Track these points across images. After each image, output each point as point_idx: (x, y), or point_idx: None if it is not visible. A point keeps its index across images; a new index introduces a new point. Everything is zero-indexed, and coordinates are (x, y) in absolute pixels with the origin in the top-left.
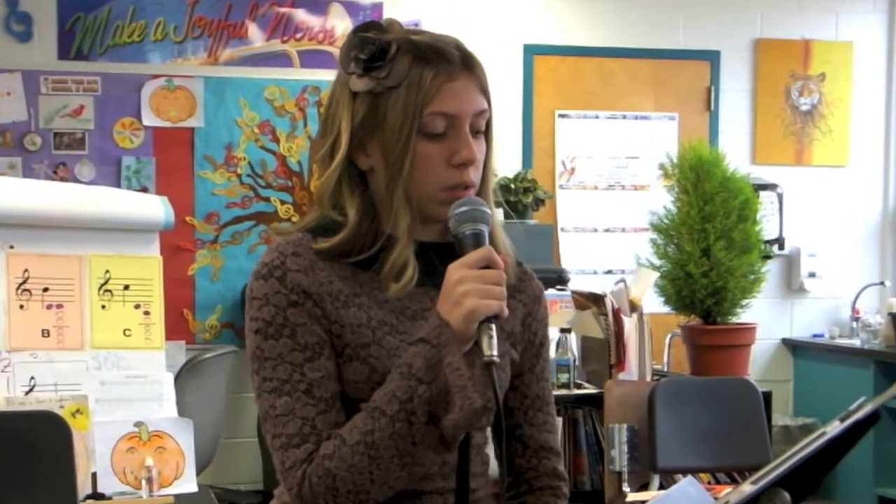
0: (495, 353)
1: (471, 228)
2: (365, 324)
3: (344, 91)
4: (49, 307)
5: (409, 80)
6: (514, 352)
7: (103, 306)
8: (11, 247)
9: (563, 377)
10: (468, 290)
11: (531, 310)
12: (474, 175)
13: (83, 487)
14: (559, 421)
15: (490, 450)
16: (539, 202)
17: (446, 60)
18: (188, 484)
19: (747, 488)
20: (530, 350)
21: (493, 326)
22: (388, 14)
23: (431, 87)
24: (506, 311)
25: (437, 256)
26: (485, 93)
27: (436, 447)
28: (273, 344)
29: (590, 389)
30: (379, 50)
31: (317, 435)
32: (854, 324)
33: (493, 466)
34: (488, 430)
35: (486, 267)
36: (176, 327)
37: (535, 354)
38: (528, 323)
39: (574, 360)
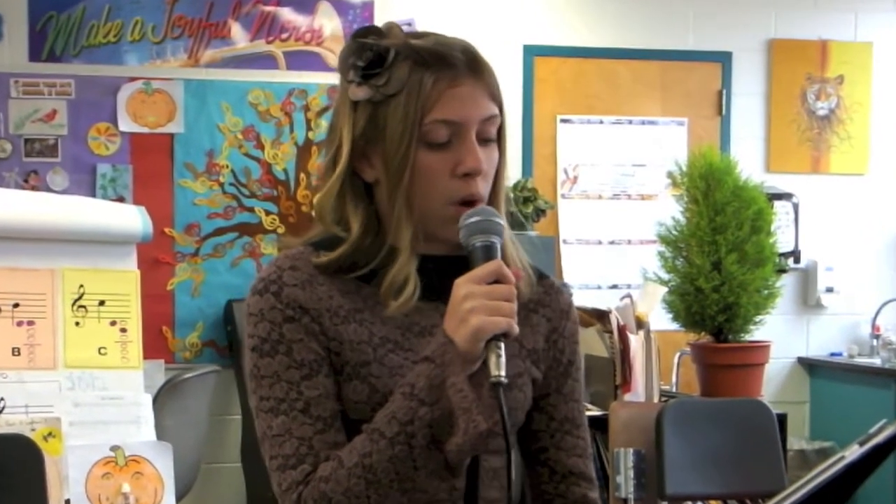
0: (503, 373)
1: (481, 240)
2: (366, 341)
3: (344, 100)
4: (19, 324)
5: (408, 86)
6: (535, 370)
7: (77, 323)
8: None
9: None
10: (475, 306)
11: (557, 325)
12: (482, 186)
13: None
14: None
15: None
16: (540, 213)
17: (449, 65)
18: None
19: None
20: (556, 369)
21: (502, 345)
22: (379, 13)
23: (432, 94)
24: (515, 329)
25: (447, 270)
26: (494, 98)
27: (440, 472)
28: (269, 361)
29: (594, 411)
30: (377, 56)
31: (314, 456)
32: (874, 342)
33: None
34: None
35: (496, 282)
36: (154, 345)
37: (563, 374)
38: (553, 339)
39: None
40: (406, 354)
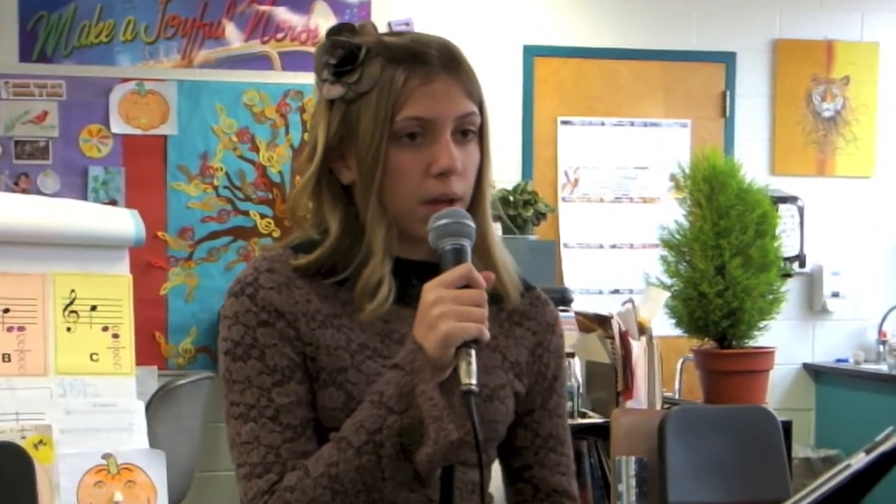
0: (474, 381)
1: (451, 243)
2: (343, 346)
3: (320, 100)
4: (10, 330)
5: (380, 84)
6: (518, 384)
7: (69, 329)
8: None
9: (567, 405)
10: (444, 311)
11: (542, 339)
12: (458, 186)
13: None
14: None
15: (498, 490)
16: (540, 216)
17: (422, 62)
18: None
19: None
20: (541, 384)
21: (472, 352)
22: (377, 12)
23: (404, 91)
24: (486, 335)
25: (428, 276)
26: (472, 95)
27: (409, 483)
28: (241, 366)
29: (595, 418)
30: (349, 53)
31: (281, 465)
32: (881, 348)
33: None
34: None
35: (467, 286)
36: (147, 351)
37: (548, 389)
38: (538, 354)
39: (578, 387)
40: (384, 362)
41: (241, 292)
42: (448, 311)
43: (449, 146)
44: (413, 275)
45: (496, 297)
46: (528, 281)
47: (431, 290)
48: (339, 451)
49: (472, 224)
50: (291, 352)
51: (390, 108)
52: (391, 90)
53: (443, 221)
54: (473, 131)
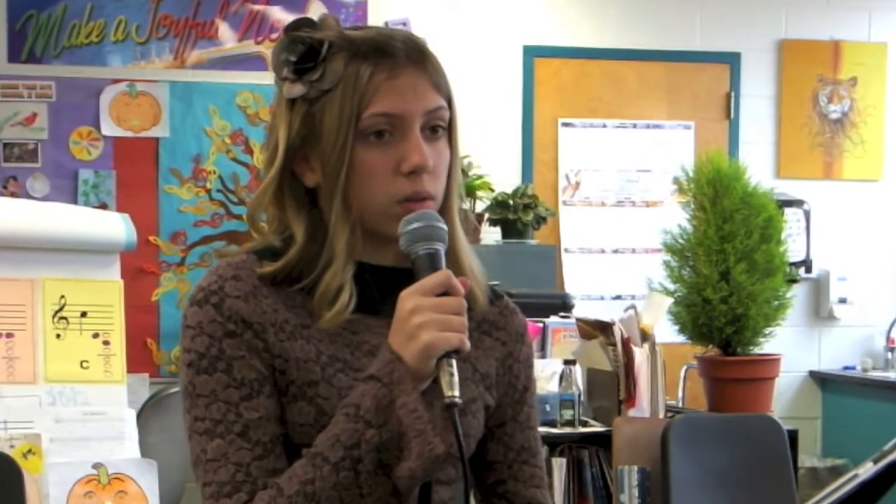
0: (457, 393)
1: (425, 248)
2: (313, 359)
3: (280, 100)
4: None
5: (344, 80)
6: (489, 396)
7: (58, 335)
8: None
9: (567, 414)
10: (424, 321)
11: (512, 349)
12: (431, 185)
13: None
14: (563, 462)
15: None
16: (540, 220)
17: (387, 55)
18: None
19: None
20: (511, 395)
21: (454, 363)
22: (373, 12)
23: (370, 86)
24: (467, 345)
25: (397, 283)
26: (440, 89)
27: (388, 500)
28: (206, 379)
29: (596, 427)
30: (309, 49)
31: (251, 483)
32: (889, 355)
33: None
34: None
35: (445, 293)
36: (138, 359)
37: (519, 400)
38: (508, 364)
39: (579, 395)
40: (356, 374)
41: (205, 301)
42: (428, 320)
43: (419, 143)
44: (379, 281)
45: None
46: (496, 289)
47: (410, 298)
48: (314, 468)
49: (445, 227)
50: (260, 364)
51: (356, 104)
52: (356, 86)
53: (415, 225)
54: (443, 127)
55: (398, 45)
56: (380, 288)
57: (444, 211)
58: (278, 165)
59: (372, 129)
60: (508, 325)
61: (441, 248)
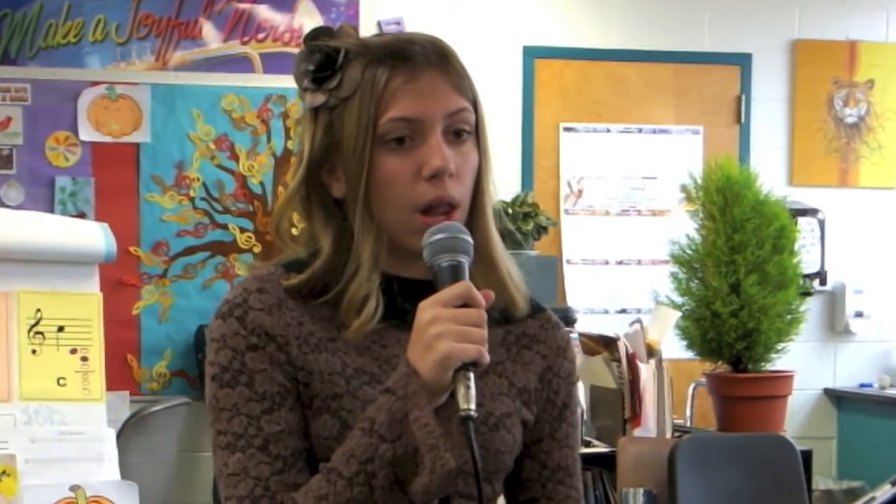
0: (473, 406)
1: (448, 260)
2: (338, 372)
3: (306, 110)
4: None
5: (362, 86)
6: (527, 412)
7: (34, 351)
8: None
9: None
10: (441, 332)
11: (552, 364)
12: (455, 189)
13: None
14: None
15: None
16: (541, 230)
17: (404, 58)
18: None
19: None
20: (550, 412)
21: (471, 375)
22: (365, 11)
23: (388, 91)
24: (486, 357)
25: (422, 296)
26: (462, 91)
27: None
28: (229, 392)
29: (600, 448)
30: (326, 58)
31: (270, 498)
32: None
33: None
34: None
35: (465, 305)
36: (118, 376)
37: (557, 417)
38: (547, 379)
39: (582, 414)
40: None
41: (229, 314)
42: (446, 330)
43: (440, 145)
44: (408, 294)
45: (502, 318)
46: (539, 302)
47: (427, 309)
48: (328, 483)
49: (470, 239)
50: (282, 377)
51: (373, 110)
52: (373, 91)
53: (438, 237)
54: (468, 131)
55: (416, 48)
56: (408, 299)
57: (476, 217)
58: (302, 175)
59: (391, 134)
60: (549, 338)
61: (465, 260)
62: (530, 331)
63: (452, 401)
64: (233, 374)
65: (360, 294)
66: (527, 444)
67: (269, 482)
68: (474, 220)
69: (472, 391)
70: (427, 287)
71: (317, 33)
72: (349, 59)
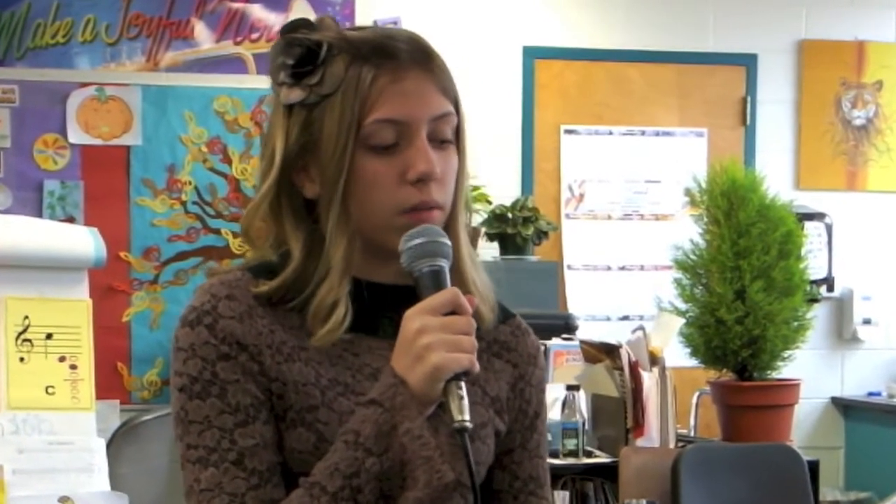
0: (467, 417)
1: (428, 265)
2: (313, 382)
3: (277, 106)
4: None
5: (345, 84)
6: (500, 422)
7: (22, 359)
8: None
9: (571, 443)
10: (432, 341)
11: (524, 372)
12: (438, 194)
13: None
14: (566, 495)
15: None
16: (541, 235)
17: (390, 57)
18: None
19: None
20: (522, 421)
21: (463, 385)
22: (360, 10)
23: (373, 91)
24: (477, 367)
25: (393, 301)
26: (446, 92)
27: None
28: (199, 404)
29: (602, 458)
30: (308, 52)
31: None
32: None
33: None
34: None
35: (452, 312)
36: (108, 384)
37: (529, 427)
38: (519, 388)
39: (583, 424)
40: (357, 398)
41: (197, 321)
42: (437, 340)
43: (426, 149)
44: (377, 299)
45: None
46: (507, 307)
47: (415, 318)
48: (311, 498)
49: (449, 243)
50: (256, 388)
51: (357, 110)
52: (358, 90)
53: (417, 241)
54: (450, 138)
55: (402, 46)
56: (377, 306)
57: (451, 222)
58: (275, 176)
59: (375, 135)
60: (520, 345)
61: (445, 265)
62: (501, 337)
63: (440, 413)
64: (203, 385)
65: (329, 300)
66: (497, 455)
67: (244, 498)
68: (449, 225)
69: (465, 402)
70: (398, 292)
71: (296, 25)
72: (332, 54)
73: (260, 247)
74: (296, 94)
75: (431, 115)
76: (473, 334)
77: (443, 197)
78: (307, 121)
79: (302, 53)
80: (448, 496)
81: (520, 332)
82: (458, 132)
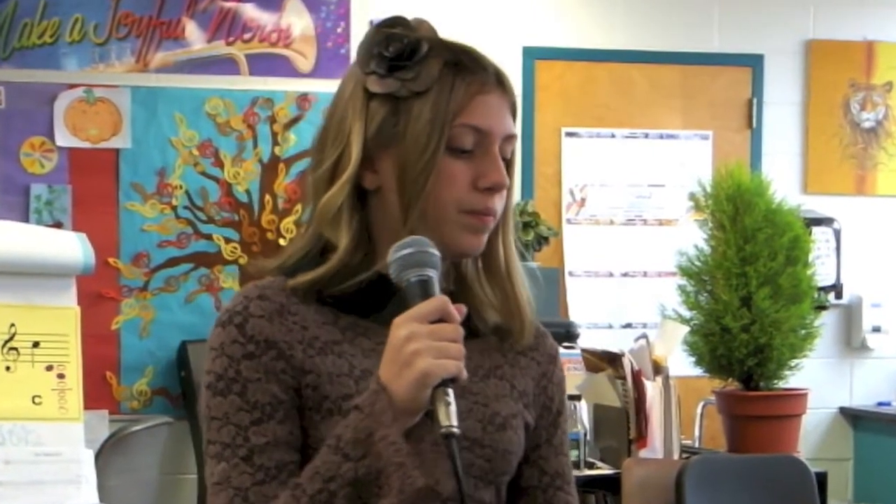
0: (455, 422)
1: (416, 275)
2: (346, 373)
3: (357, 93)
4: None
5: (439, 85)
6: (528, 414)
7: (7, 368)
8: None
9: (572, 455)
10: (419, 348)
11: (546, 370)
12: (499, 204)
13: None
14: None
15: None
16: (542, 240)
17: (481, 70)
18: None
19: None
20: (546, 417)
21: (451, 392)
22: (356, 10)
23: (465, 97)
24: (465, 374)
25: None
26: (513, 118)
27: None
28: (221, 401)
29: (604, 469)
30: (408, 48)
31: None
32: None
33: None
34: None
35: (440, 320)
36: (97, 394)
37: (553, 424)
38: (542, 385)
39: (585, 434)
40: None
41: (228, 322)
42: (424, 347)
43: (499, 161)
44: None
45: (500, 331)
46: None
47: (403, 325)
48: (293, 499)
49: (437, 253)
50: (277, 388)
51: (449, 112)
52: (451, 94)
53: (406, 251)
54: (510, 159)
55: (490, 63)
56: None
57: (501, 235)
58: (355, 162)
59: (459, 139)
60: (541, 345)
61: (434, 274)
62: (529, 342)
63: (427, 421)
64: (227, 383)
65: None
66: (525, 452)
67: (248, 493)
68: (500, 236)
69: (453, 408)
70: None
71: (394, 22)
72: (429, 54)
73: (319, 234)
74: (386, 86)
75: (505, 132)
76: (461, 342)
77: (500, 208)
78: (392, 112)
79: (402, 48)
80: (421, 502)
81: (539, 334)
82: (512, 156)
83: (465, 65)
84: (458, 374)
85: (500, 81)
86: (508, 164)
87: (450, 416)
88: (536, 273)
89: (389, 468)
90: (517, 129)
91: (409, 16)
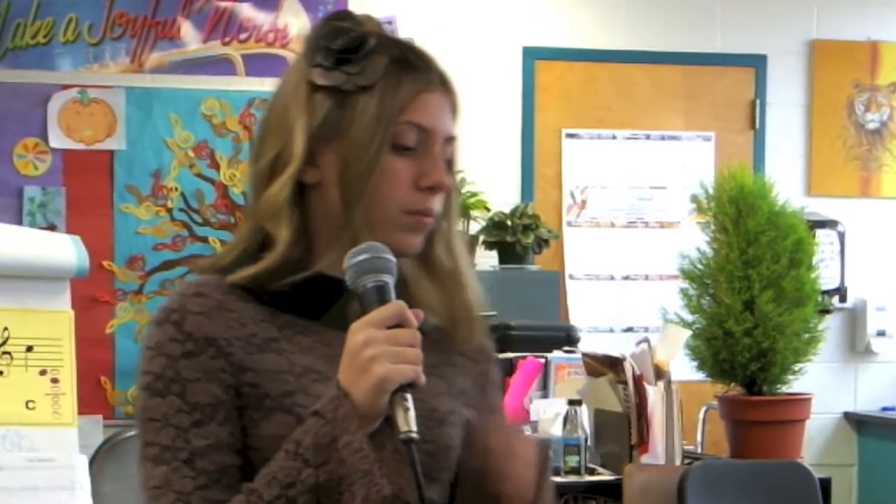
0: (414, 428)
1: (373, 281)
2: (286, 370)
3: (300, 86)
4: None
5: (384, 81)
6: (468, 411)
7: (1, 372)
8: None
9: (573, 460)
10: (376, 353)
11: (484, 369)
12: (438, 204)
13: None
14: None
15: None
16: (542, 243)
17: (426, 69)
18: None
19: None
20: (485, 416)
21: (409, 397)
22: (354, 8)
23: (409, 94)
24: (423, 378)
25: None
26: (455, 121)
27: None
28: (159, 402)
29: (605, 475)
30: (355, 42)
31: None
32: None
33: None
34: None
35: (398, 325)
36: (91, 399)
37: (494, 415)
38: (481, 384)
39: (586, 440)
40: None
41: (165, 320)
42: (381, 352)
43: (441, 161)
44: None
45: (439, 330)
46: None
47: (361, 330)
48: None
49: (393, 259)
50: (216, 388)
51: (395, 109)
52: (397, 90)
53: (362, 258)
54: (451, 160)
55: (434, 65)
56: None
57: (447, 240)
58: (300, 156)
59: (403, 136)
60: (479, 344)
61: (390, 280)
62: (473, 343)
63: (386, 427)
64: (165, 383)
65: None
66: (468, 440)
67: (190, 497)
68: (446, 240)
69: (412, 413)
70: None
71: (342, 16)
72: (375, 50)
73: (261, 228)
74: (331, 78)
75: (447, 133)
76: (419, 346)
77: (439, 208)
78: (336, 106)
79: (348, 42)
80: None
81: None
82: (454, 157)
83: (411, 62)
84: (416, 379)
85: (444, 83)
86: (450, 165)
87: (409, 421)
88: (536, 276)
89: (354, 475)
90: (516, 129)
91: (409, 16)
